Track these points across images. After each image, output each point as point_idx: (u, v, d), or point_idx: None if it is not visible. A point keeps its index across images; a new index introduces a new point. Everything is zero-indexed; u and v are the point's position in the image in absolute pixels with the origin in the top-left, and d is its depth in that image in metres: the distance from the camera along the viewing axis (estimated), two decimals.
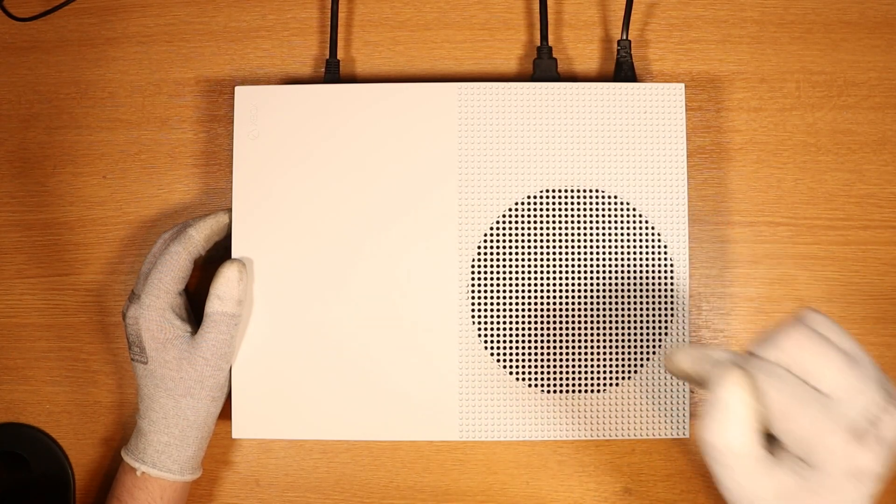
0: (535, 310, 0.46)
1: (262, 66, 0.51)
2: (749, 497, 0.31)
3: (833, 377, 0.31)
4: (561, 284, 0.46)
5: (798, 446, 0.31)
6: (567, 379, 0.46)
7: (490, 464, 0.49)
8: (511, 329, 0.46)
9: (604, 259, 0.46)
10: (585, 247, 0.46)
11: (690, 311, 0.46)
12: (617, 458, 0.49)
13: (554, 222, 0.46)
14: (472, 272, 0.46)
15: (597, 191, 0.46)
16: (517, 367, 0.46)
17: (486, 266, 0.46)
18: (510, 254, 0.46)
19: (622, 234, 0.46)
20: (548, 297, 0.46)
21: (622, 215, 0.46)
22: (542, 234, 0.46)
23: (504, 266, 0.46)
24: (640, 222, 0.46)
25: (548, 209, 0.46)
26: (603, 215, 0.46)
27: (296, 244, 0.46)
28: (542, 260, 0.46)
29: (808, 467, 0.31)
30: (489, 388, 0.46)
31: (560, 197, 0.46)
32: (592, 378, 0.45)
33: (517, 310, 0.46)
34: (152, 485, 0.44)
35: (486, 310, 0.46)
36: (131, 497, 0.44)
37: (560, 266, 0.46)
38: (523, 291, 0.46)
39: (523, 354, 0.46)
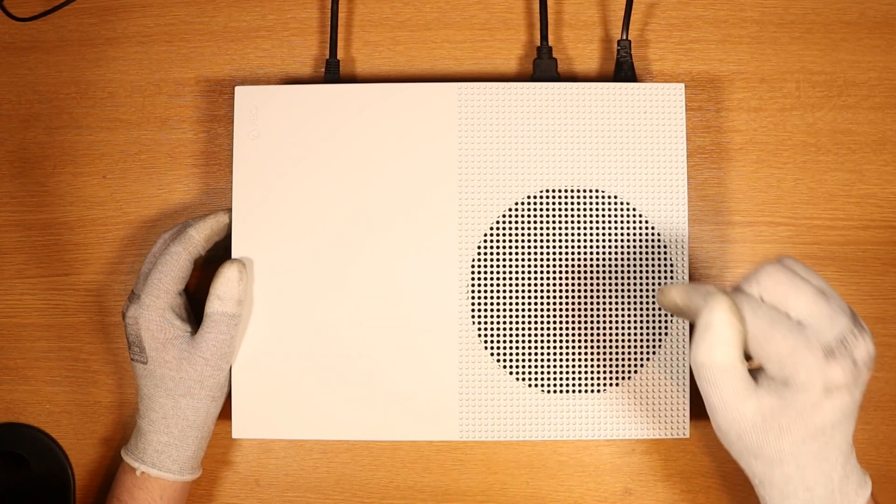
0: (535, 310, 0.46)
1: (262, 66, 0.51)
2: (733, 415, 0.34)
3: (806, 306, 0.35)
4: (561, 284, 0.46)
5: (777, 367, 0.34)
6: (567, 379, 0.46)
7: (490, 464, 0.49)
8: (511, 329, 0.46)
9: (604, 259, 0.46)
10: (585, 247, 0.46)
11: None
12: (617, 458, 0.49)
13: (554, 222, 0.46)
14: (472, 272, 0.46)
15: (597, 191, 0.46)
16: (517, 367, 0.46)
17: (486, 266, 0.46)
18: (510, 254, 0.46)
19: (622, 234, 0.46)
20: (548, 297, 0.46)
21: (622, 215, 0.46)
22: (542, 234, 0.46)
23: (504, 266, 0.46)
24: (640, 222, 0.46)
25: (548, 209, 0.46)
26: (603, 215, 0.46)
27: (296, 244, 0.46)
28: (542, 260, 0.46)
29: (788, 388, 0.34)
30: (489, 388, 0.46)
31: (560, 197, 0.46)
32: (592, 378, 0.45)
33: (517, 310, 0.46)
34: (152, 484, 0.44)
35: (486, 310, 0.46)
36: (131, 497, 0.44)
37: (560, 266, 0.46)
38: (523, 291, 0.46)
39: (523, 354, 0.46)
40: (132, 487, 0.45)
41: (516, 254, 0.46)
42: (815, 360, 0.33)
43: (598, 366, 0.46)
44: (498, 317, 0.46)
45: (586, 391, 0.45)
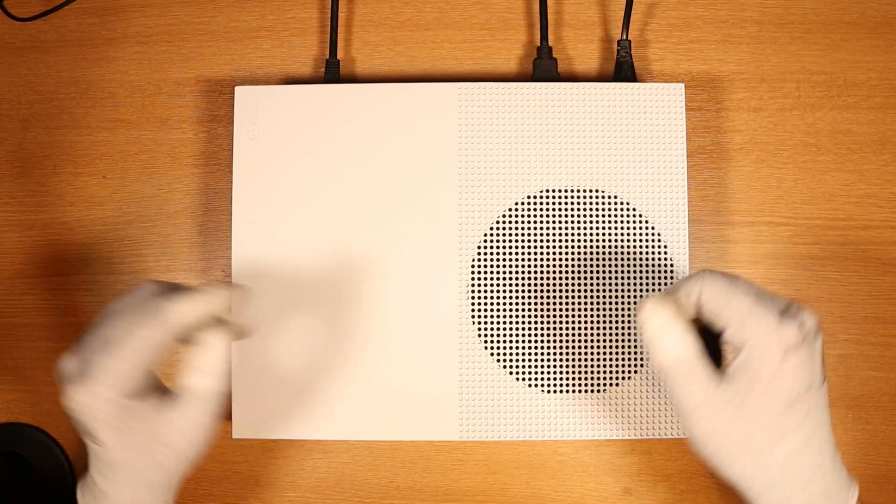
0: (535, 310, 0.46)
1: (262, 66, 0.51)
2: (708, 409, 0.34)
3: (748, 293, 0.35)
4: (561, 284, 0.46)
5: (738, 328, 0.35)
6: (567, 379, 0.46)
7: (490, 464, 0.49)
8: (511, 329, 0.46)
9: (604, 259, 0.46)
10: (585, 247, 0.46)
11: None
12: (617, 458, 0.49)
13: (554, 222, 0.46)
14: (472, 272, 0.46)
15: (597, 191, 0.46)
16: (517, 367, 0.46)
17: (486, 266, 0.46)
18: (510, 254, 0.46)
19: (622, 234, 0.46)
20: (548, 297, 0.46)
21: (622, 215, 0.46)
22: (542, 234, 0.46)
23: (504, 266, 0.46)
24: (640, 222, 0.46)
25: (548, 209, 0.46)
26: (603, 215, 0.46)
27: (296, 244, 0.46)
28: (542, 260, 0.46)
29: (748, 362, 0.34)
30: (489, 388, 0.46)
31: (560, 197, 0.46)
32: (592, 378, 0.45)
33: (517, 310, 0.46)
34: None
35: (486, 310, 0.46)
36: None
37: (560, 266, 0.46)
38: (523, 291, 0.46)
39: (523, 354, 0.46)
40: None
41: (516, 254, 0.46)
42: (771, 318, 0.34)
43: (598, 366, 0.46)
44: (498, 317, 0.46)
45: (586, 391, 0.45)
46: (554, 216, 0.46)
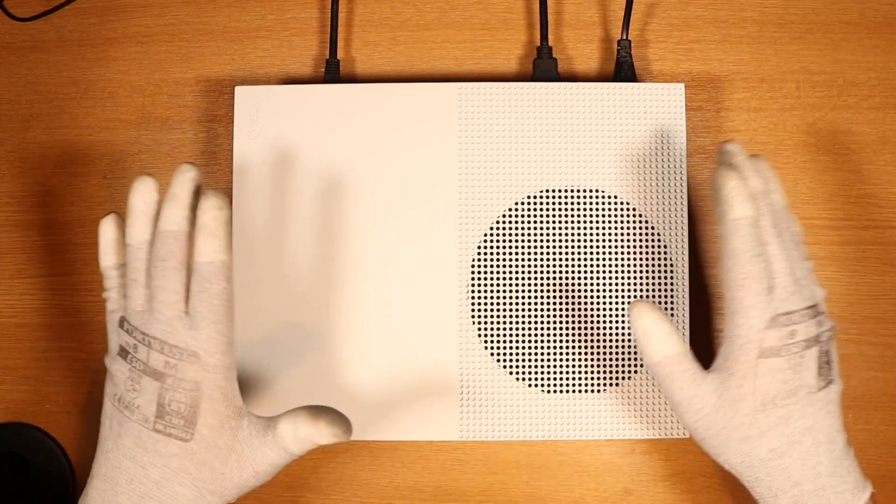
0: (535, 310, 0.46)
1: (262, 66, 0.51)
2: (696, 402, 0.36)
3: (779, 271, 0.37)
4: (561, 284, 0.46)
5: (727, 320, 0.37)
6: (567, 379, 0.46)
7: (490, 464, 0.49)
8: (511, 329, 0.46)
9: (604, 259, 0.46)
10: (585, 247, 0.46)
11: (690, 311, 0.46)
12: (617, 458, 0.49)
13: (554, 222, 0.46)
14: (472, 272, 0.46)
15: (597, 191, 0.46)
16: (517, 367, 0.46)
17: (486, 266, 0.46)
18: (510, 254, 0.46)
19: (622, 234, 0.46)
20: (548, 297, 0.46)
21: (622, 215, 0.46)
22: (542, 234, 0.46)
23: (504, 266, 0.46)
24: (640, 222, 0.46)
25: (548, 209, 0.46)
26: (603, 215, 0.46)
27: (296, 244, 0.46)
28: (541, 260, 0.46)
29: (726, 367, 0.36)
30: (489, 388, 0.46)
31: (560, 197, 0.46)
32: (592, 378, 0.45)
33: (517, 310, 0.46)
34: None
35: (486, 310, 0.46)
36: None
37: (560, 266, 0.46)
38: (523, 291, 0.46)
39: (523, 354, 0.46)
40: None
41: (516, 254, 0.46)
42: (758, 321, 0.36)
43: (598, 366, 0.46)
44: (498, 317, 0.46)
45: (586, 391, 0.45)
46: (554, 216, 0.46)
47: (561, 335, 0.46)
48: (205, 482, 0.35)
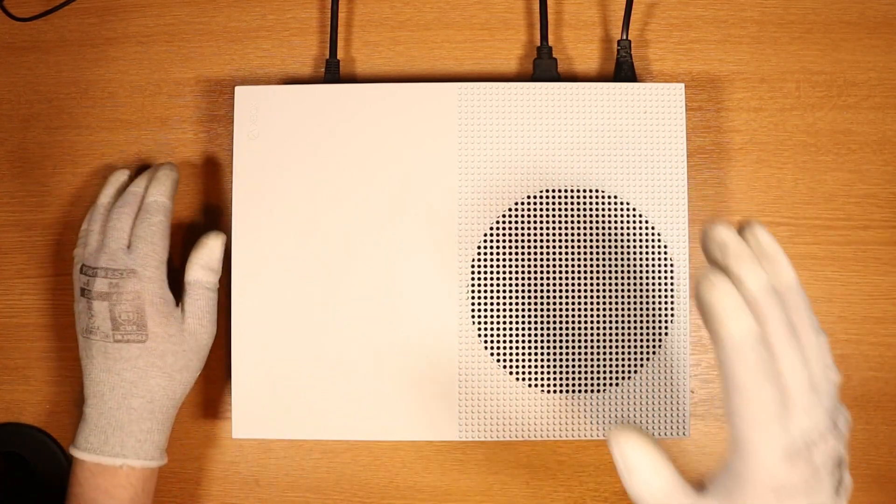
0: (535, 310, 0.46)
1: (262, 66, 0.51)
2: None
3: (795, 387, 0.31)
4: (561, 284, 0.46)
5: (733, 451, 0.31)
6: (567, 379, 0.45)
7: (490, 464, 0.49)
8: (511, 329, 0.46)
9: (604, 259, 0.46)
10: (585, 247, 0.46)
11: (690, 311, 0.46)
12: None
13: (554, 222, 0.46)
14: (472, 272, 0.46)
15: (597, 191, 0.46)
16: (517, 367, 0.46)
17: (486, 266, 0.46)
18: (510, 254, 0.46)
19: (622, 234, 0.46)
20: (548, 297, 0.46)
21: (622, 215, 0.46)
22: (542, 234, 0.46)
23: (504, 266, 0.46)
24: (640, 222, 0.46)
25: (548, 209, 0.46)
26: (603, 215, 0.46)
27: (296, 244, 0.46)
28: (542, 260, 0.46)
29: (735, 492, 0.31)
30: (489, 388, 0.45)
31: (560, 197, 0.46)
32: (592, 378, 0.45)
33: (517, 310, 0.46)
34: (134, 477, 0.42)
35: (486, 310, 0.46)
36: (110, 497, 0.41)
37: (560, 266, 0.46)
38: (523, 291, 0.46)
39: (523, 354, 0.46)
40: (111, 487, 0.41)
41: (516, 254, 0.46)
42: (774, 461, 0.30)
43: (598, 366, 0.46)
44: (498, 317, 0.46)
45: (586, 391, 0.45)
46: (554, 216, 0.46)
47: (561, 335, 0.46)
48: (171, 367, 0.43)
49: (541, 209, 0.46)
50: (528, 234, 0.46)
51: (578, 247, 0.46)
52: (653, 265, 0.46)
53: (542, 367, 0.46)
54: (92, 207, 0.47)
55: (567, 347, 0.46)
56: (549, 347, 0.46)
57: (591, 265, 0.46)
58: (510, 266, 0.46)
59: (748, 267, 0.31)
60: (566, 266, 0.46)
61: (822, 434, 0.31)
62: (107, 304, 0.42)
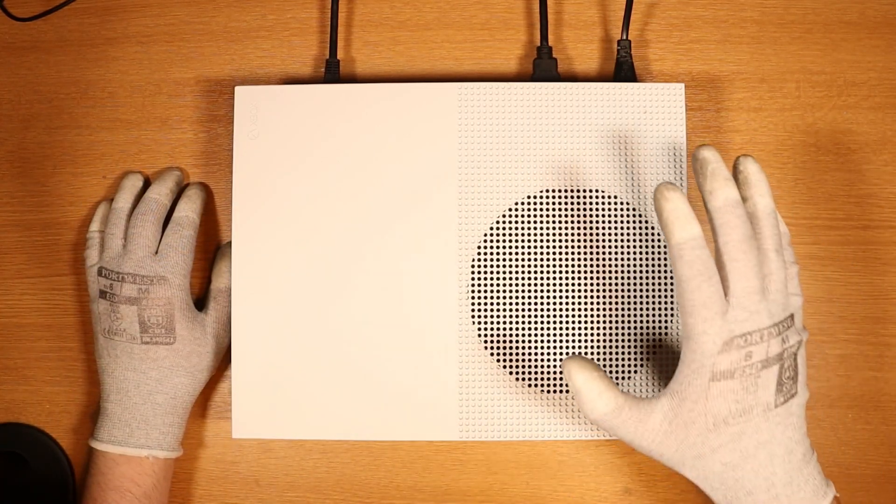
0: (535, 310, 0.46)
1: (262, 66, 0.51)
2: (646, 439, 0.37)
3: (739, 289, 0.35)
4: (561, 284, 0.46)
5: (683, 342, 0.36)
6: None
7: (490, 464, 0.49)
8: (511, 329, 0.46)
9: (604, 259, 0.46)
10: (585, 247, 0.46)
11: None
12: (617, 458, 0.49)
13: (554, 222, 0.46)
14: (472, 272, 0.46)
15: (597, 191, 0.46)
16: (517, 367, 0.46)
17: (486, 266, 0.46)
18: (510, 254, 0.46)
19: (622, 234, 0.46)
20: (548, 297, 0.46)
21: (622, 215, 0.46)
22: (542, 234, 0.46)
23: (504, 266, 0.46)
24: (640, 222, 0.46)
25: (548, 209, 0.46)
26: (603, 215, 0.46)
27: (296, 244, 0.46)
28: (542, 260, 0.46)
29: (678, 392, 0.36)
30: (489, 388, 0.46)
31: (560, 197, 0.46)
32: None
33: (517, 310, 0.46)
34: (157, 467, 0.45)
35: (486, 310, 0.46)
36: (135, 485, 0.44)
37: (560, 266, 0.46)
38: (523, 291, 0.46)
39: (523, 354, 0.46)
40: (136, 475, 0.44)
41: (516, 254, 0.46)
42: (711, 346, 0.35)
43: (598, 366, 0.45)
44: (498, 317, 0.46)
45: None
46: (554, 216, 0.46)
47: (561, 335, 0.46)
48: (195, 367, 0.46)
49: (541, 209, 0.46)
50: (528, 234, 0.46)
51: (578, 247, 0.46)
52: (653, 265, 0.46)
53: (542, 367, 0.46)
54: (100, 208, 0.49)
55: (567, 347, 0.46)
56: (549, 347, 0.46)
57: (591, 265, 0.46)
58: (510, 266, 0.46)
59: (718, 183, 0.35)
60: (566, 266, 0.46)
61: (764, 337, 0.35)
62: (135, 308, 0.45)
